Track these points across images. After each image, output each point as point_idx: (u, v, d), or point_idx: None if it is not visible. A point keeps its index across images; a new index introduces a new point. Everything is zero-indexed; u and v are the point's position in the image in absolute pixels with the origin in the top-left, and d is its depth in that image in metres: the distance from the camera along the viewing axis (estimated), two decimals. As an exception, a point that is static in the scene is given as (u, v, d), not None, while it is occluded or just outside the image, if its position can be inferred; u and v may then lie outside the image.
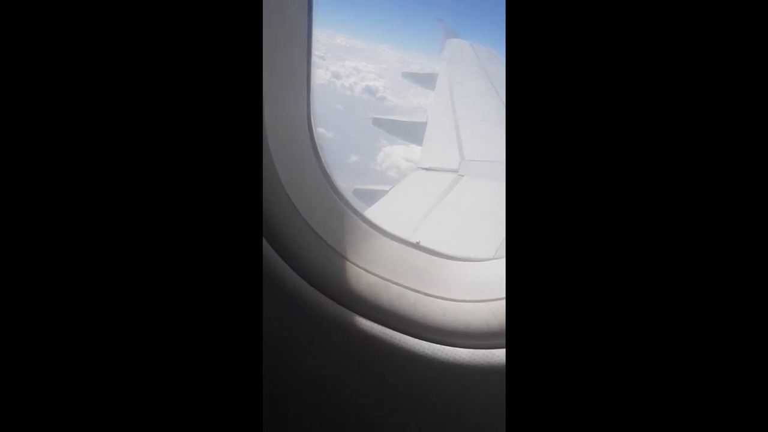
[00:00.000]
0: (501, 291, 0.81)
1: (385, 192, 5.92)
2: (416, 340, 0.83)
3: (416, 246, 0.95)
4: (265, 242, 0.87)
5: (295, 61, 0.83)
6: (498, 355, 0.78)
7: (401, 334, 0.83)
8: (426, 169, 6.57)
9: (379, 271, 0.89)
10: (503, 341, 0.79)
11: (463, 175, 6.35)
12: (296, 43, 0.82)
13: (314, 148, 0.92)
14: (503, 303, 0.80)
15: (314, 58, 0.88)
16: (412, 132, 8.81)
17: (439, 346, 0.81)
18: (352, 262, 0.89)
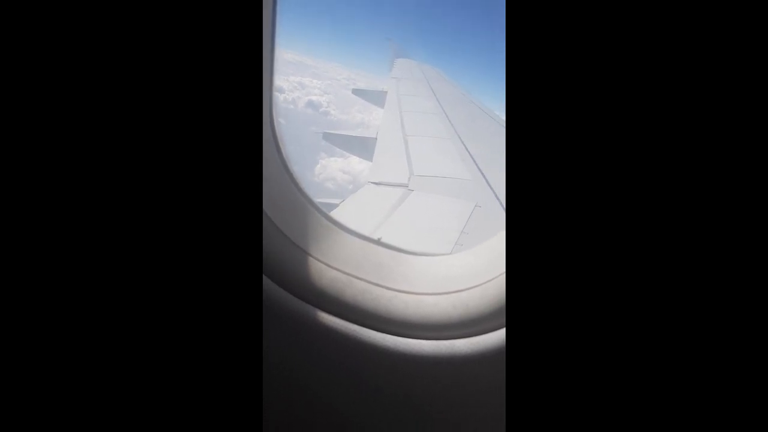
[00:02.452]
0: (459, 284, 0.84)
1: (335, 205, 5.92)
2: (380, 334, 0.84)
3: (377, 242, 0.97)
4: None
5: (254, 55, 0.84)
6: (459, 346, 0.81)
7: (364, 329, 0.84)
8: (376, 183, 6.65)
9: (342, 266, 0.89)
10: (463, 332, 0.81)
11: (412, 190, 6.47)
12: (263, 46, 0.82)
13: (277, 147, 0.93)
14: (462, 295, 0.83)
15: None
16: (362, 147, 8.89)
17: (402, 339, 0.83)
18: (314, 258, 0.90)
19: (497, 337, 0.78)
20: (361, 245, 0.96)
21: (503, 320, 0.78)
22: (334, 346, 0.85)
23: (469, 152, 8.66)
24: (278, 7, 0.82)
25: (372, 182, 6.68)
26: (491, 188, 6.97)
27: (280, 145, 0.93)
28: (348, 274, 0.89)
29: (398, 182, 6.68)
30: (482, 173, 7.55)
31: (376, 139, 8.80)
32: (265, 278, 0.86)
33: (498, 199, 6.62)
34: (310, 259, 0.90)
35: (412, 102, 11.84)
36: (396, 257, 0.95)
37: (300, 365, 0.89)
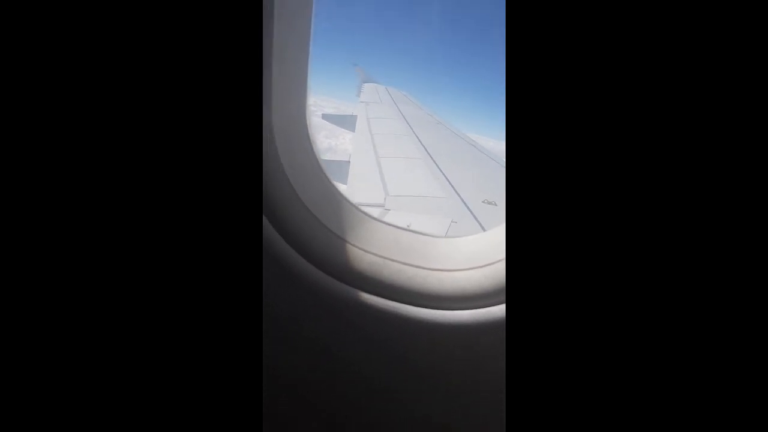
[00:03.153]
0: (490, 258, 0.93)
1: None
2: (418, 308, 0.91)
3: (407, 229, 1.05)
4: (272, 229, 0.92)
5: (298, 59, 0.92)
6: (496, 312, 0.87)
7: (404, 305, 0.91)
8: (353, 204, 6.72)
9: (377, 251, 0.97)
10: (498, 299, 0.88)
11: (389, 209, 6.57)
12: (300, 43, 0.91)
13: (310, 142, 1.00)
14: (495, 266, 0.90)
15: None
16: (336, 170, 8.99)
17: (440, 311, 0.90)
18: (352, 244, 0.97)
19: None
20: (392, 231, 1.04)
21: None
22: (377, 322, 0.92)
23: (441, 171, 8.88)
24: (313, 10, 0.91)
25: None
26: (465, 205, 7.14)
27: (312, 143, 1.01)
28: (383, 257, 0.96)
29: (374, 202, 6.78)
30: (455, 191, 7.75)
31: (349, 162, 8.92)
32: (311, 266, 0.93)
33: (473, 214, 6.78)
34: (349, 246, 0.97)
35: (382, 125, 12.08)
36: (424, 240, 1.03)
37: (345, 343, 0.95)
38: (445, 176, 8.58)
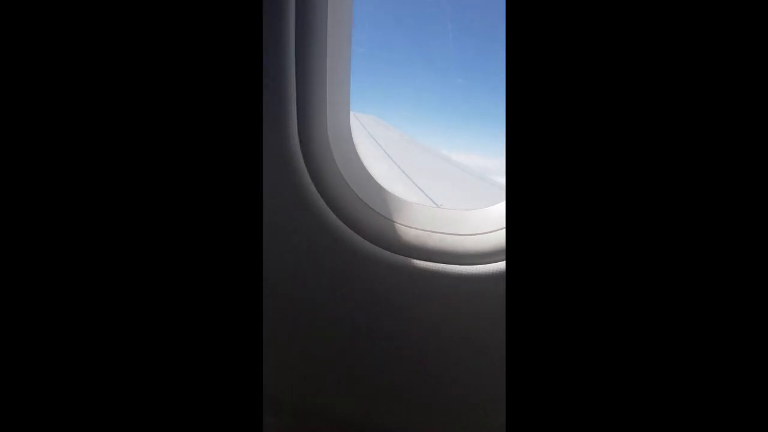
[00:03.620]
0: (499, 223, 1.12)
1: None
2: (463, 266, 1.08)
3: (440, 207, 1.24)
4: (333, 214, 1.11)
5: (343, 71, 1.12)
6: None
7: (449, 265, 1.10)
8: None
9: (420, 225, 1.15)
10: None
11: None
12: (343, 55, 1.11)
13: (354, 146, 1.20)
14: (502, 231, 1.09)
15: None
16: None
17: (480, 266, 1.09)
18: (398, 223, 1.15)
19: None
20: (428, 209, 1.23)
21: None
22: (427, 284, 1.10)
23: (419, 188, 9.15)
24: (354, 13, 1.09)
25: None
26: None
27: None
28: (426, 230, 1.15)
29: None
30: (435, 204, 8.03)
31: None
32: (366, 242, 1.11)
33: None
34: (396, 224, 1.15)
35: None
36: (457, 214, 1.22)
37: (401, 305, 1.12)
38: (424, 193, 8.85)
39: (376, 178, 1.25)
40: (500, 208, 1.20)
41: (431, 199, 8.27)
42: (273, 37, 0.95)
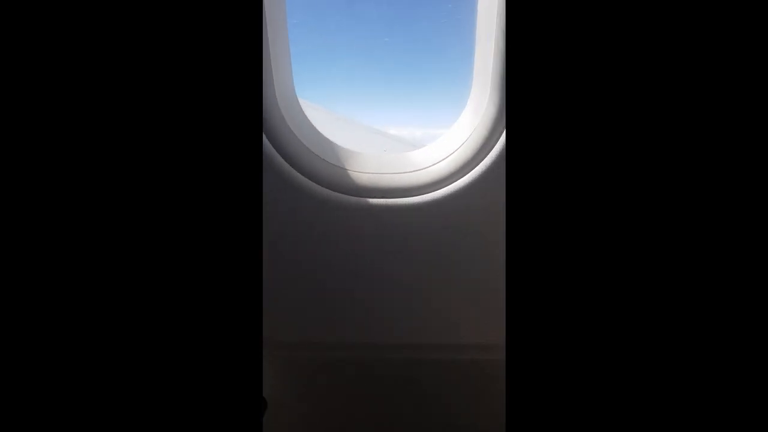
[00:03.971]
0: (448, 152, 1.26)
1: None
2: (413, 198, 1.24)
3: (385, 153, 1.40)
4: (290, 167, 1.23)
5: (283, 40, 1.24)
6: (464, 180, 1.21)
7: (402, 199, 1.24)
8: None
9: (371, 169, 1.31)
10: (465, 171, 1.20)
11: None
12: (282, 29, 1.22)
13: (300, 107, 1.34)
14: (459, 151, 1.23)
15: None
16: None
17: (429, 194, 1.24)
18: (353, 170, 1.31)
19: (491, 160, 1.16)
20: (375, 156, 1.38)
21: (471, 166, 1.18)
22: (386, 217, 1.25)
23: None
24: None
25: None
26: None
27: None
28: (376, 172, 1.31)
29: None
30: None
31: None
32: (326, 189, 1.26)
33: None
34: (349, 171, 1.30)
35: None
36: (403, 156, 1.38)
37: (367, 238, 1.28)
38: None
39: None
40: (433, 147, 1.36)
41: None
42: None
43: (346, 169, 1.30)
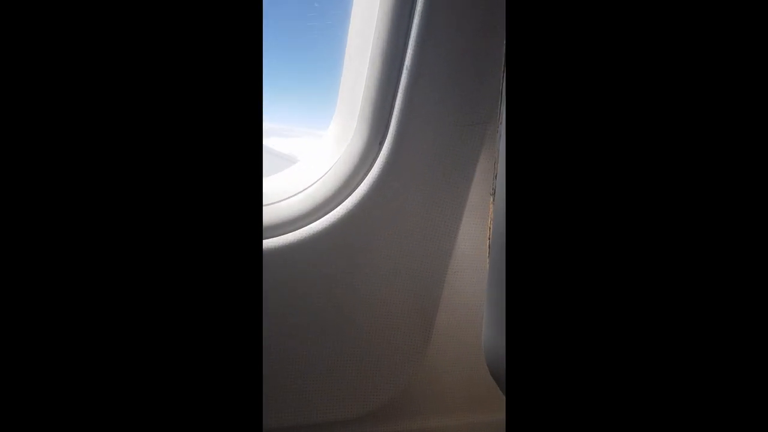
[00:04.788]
0: (301, 186, 0.98)
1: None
2: (278, 238, 0.94)
3: None
4: None
5: None
6: (315, 227, 0.93)
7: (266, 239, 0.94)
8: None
9: None
10: (316, 216, 0.95)
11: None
12: None
13: None
14: (306, 192, 0.97)
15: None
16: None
17: (273, 239, 0.94)
18: None
19: (341, 211, 0.94)
20: None
21: (335, 202, 0.96)
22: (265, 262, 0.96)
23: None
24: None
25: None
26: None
27: None
28: None
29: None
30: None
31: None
32: None
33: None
34: None
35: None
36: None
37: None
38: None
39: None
40: (282, 177, 1.08)
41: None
42: None
43: None
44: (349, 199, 0.96)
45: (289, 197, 1.02)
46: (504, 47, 0.79)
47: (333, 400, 1.07)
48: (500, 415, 1.20)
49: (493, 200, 0.71)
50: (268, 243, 0.95)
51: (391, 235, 0.95)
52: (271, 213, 0.99)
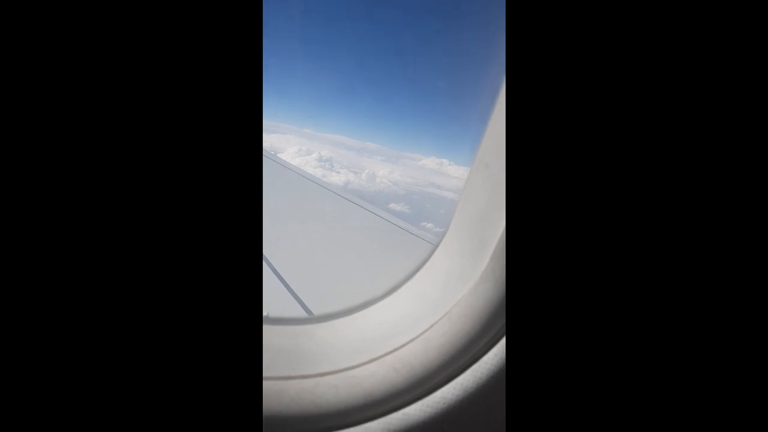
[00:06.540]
0: (393, 341, 0.66)
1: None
2: None
3: (267, 320, 0.74)
4: None
5: None
6: (412, 414, 0.62)
7: None
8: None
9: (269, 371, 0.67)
10: (413, 395, 0.63)
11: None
12: None
13: None
14: (402, 352, 0.65)
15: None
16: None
17: (352, 428, 0.63)
18: None
19: (451, 392, 0.63)
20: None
21: (450, 371, 0.63)
22: None
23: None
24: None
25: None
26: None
27: None
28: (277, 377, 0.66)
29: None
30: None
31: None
32: None
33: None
34: None
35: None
36: (298, 332, 0.73)
37: None
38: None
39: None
40: (382, 311, 0.72)
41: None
42: None
43: None
44: (481, 360, 0.69)
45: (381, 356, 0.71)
46: None
47: None
48: None
49: None
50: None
51: None
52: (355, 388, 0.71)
